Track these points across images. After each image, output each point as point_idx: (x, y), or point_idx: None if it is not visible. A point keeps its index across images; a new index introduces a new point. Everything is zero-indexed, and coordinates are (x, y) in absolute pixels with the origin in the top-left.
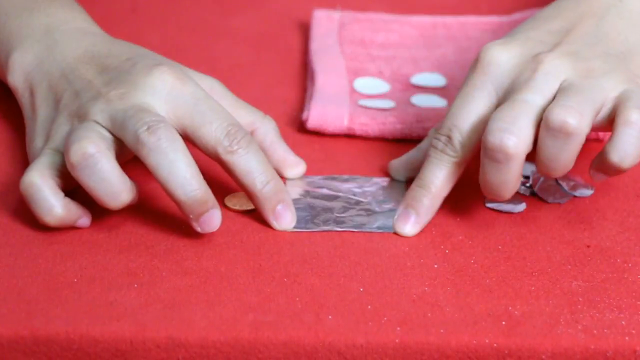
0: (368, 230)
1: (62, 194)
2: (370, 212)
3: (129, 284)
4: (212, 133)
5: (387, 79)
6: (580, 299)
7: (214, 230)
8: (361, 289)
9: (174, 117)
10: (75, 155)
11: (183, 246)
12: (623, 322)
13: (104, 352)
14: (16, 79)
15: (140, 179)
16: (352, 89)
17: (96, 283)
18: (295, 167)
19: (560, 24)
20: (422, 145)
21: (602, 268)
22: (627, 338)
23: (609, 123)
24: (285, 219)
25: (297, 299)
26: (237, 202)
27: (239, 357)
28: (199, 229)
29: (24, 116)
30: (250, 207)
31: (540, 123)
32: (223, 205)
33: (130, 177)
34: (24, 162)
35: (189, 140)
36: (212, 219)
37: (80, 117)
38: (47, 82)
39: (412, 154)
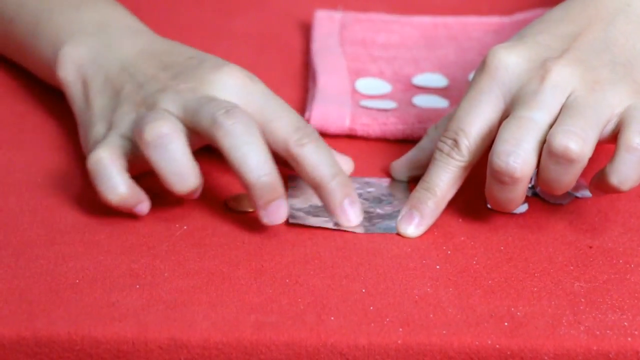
0: (371, 231)
1: (127, 175)
2: (372, 214)
3: (130, 284)
4: (283, 128)
5: (388, 80)
6: (582, 300)
7: (280, 222)
8: (363, 290)
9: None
10: (150, 133)
11: (185, 247)
12: (626, 323)
13: (106, 353)
14: (68, 72)
15: (143, 180)
16: (353, 90)
17: (98, 284)
18: (346, 163)
19: (568, 27)
20: (422, 144)
21: (604, 269)
22: (629, 339)
23: (612, 138)
24: (350, 215)
25: (299, 300)
26: (238, 203)
27: (240, 358)
28: (265, 220)
29: (74, 110)
30: (252, 208)
31: (544, 145)
32: (224, 206)
33: (133, 177)
34: (23, 162)
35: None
36: (280, 209)
37: (148, 106)
38: (104, 75)
39: (412, 153)
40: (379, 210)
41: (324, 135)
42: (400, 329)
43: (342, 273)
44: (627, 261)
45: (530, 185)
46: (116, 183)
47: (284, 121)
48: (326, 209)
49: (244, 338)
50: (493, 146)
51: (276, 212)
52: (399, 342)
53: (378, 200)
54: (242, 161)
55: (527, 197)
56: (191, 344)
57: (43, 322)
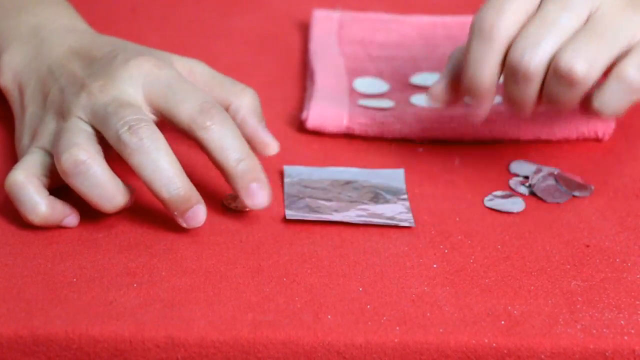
0: (370, 222)
1: (46, 193)
2: (374, 200)
3: (128, 283)
4: (186, 111)
5: (386, 79)
6: (579, 298)
7: (199, 225)
8: (360, 289)
9: (150, 102)
10: (67, 162)
11: (182, 246)
12: (622, 322)
13: (103, 351)
14: (6, 80)
15: (139, 179)
16: (351, 89)
17: (95, 282)
18: (265, 146)
19: None
20: (451, 64)
21: (601, 268)
22: (626, 337)
23: None
24: (258, 198)
25: (297, 298)
26: (236, 202)
27: (238, 357)
28: (184, 225)
29: (15, 116)
30: (249, 207)
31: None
32: (222, 205)
33: (128, 176)
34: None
35: (167, 122)
36: (197, 215)
37: (64, 114)
38: (35, 79)
39: (445, 77)
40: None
41: (322, 134)
42: (397, 328)
43: (339, 272)
44: (623, 260)
45: (527, 185)
46: (35, 203)
47: (187, 104)
48: (234, 191)
49: (241, 336)
50: (513, 42)
51: (194, 217)
52: (396, 340)
53: (374, 193)
54: (152, 179)
55: (524, 196)
56: (188, 342)
57: (40, 320)
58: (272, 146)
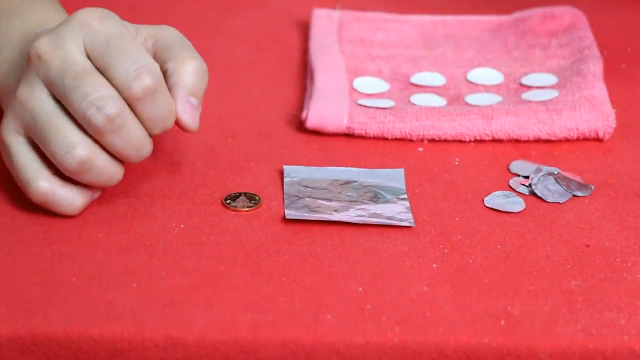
0: (370, 222)
1: (70, 184)
2: (374, 200)
3: (127, 283)
4: (119, 74)
5: (386, 78)
6: (579, 298)
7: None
8: (360, 289)
9: (90, 57)
10: (72, 165)
11: (182, 245)
12: (622, 322)
13: (102, 351)
14: None
15: (138, 179)
16: (351, 88)
17: (95, 282)
18: (178, 121)
19: None
20: None
21: (601, 267)
22: (626, 337)
23: None
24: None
25: (296, 298)
26: (236, 202)
27: (237, 357)
28: None
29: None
30: (250, 206)
31: None
32: (221, 204)
33: (130, 175)
34: None
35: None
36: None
37: (23, 83)
38: (16, 66)
39: None
40: (379, 201)
41: (322, 133)
42: (397, 328)
43: (338, 272)
44: (623, 260)
45: (527, 184)
46: (71, 202)
47: (120, 68)
48: None
49: (241, 336)
50: None
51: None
52: (396, 340)
53: (374, 193)
54: (123, 152)
55: (524, 195)
56: (188, 342)
57: (40, 320)
58: (188, 124)
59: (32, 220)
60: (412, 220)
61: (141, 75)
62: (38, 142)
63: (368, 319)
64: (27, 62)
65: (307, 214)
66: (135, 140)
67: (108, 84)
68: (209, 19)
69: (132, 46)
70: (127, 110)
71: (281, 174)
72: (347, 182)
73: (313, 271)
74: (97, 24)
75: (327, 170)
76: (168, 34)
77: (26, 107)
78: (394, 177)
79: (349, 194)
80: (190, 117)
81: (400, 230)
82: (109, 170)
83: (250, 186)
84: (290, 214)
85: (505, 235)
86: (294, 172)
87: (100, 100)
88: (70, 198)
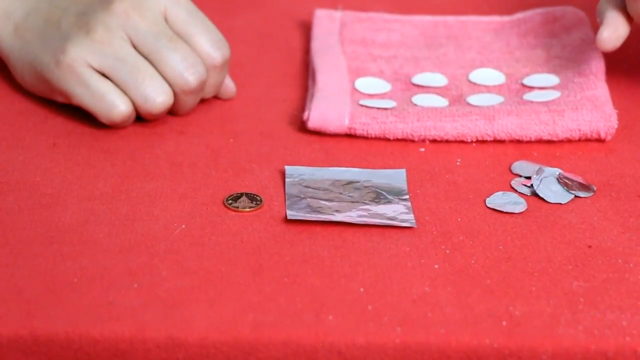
0: (371, 222)
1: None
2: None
3: (128, 284)
4: (202, 45)
5: (388, 79)
6: (581, 299)
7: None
8: (361, 289)
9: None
10: (160, 110)
11: (183, 246)
12: (624, 323)
13: (103, 352)
14: None
15: (140, 179)
16: (353, 89)
17: (96, 283)
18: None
19: None
20: (608, 17)
21: (603, 268)
22: (628, 339)
23: None
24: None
25: (298, 299)
26: (237, 202)
27: (239, 357)
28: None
29: (3, 50)
30: (251, 207)
31: None
32: (223, 205)
33: (132, 176)
34: (22, 161)
35: None
36: None
37: (97, 29)
38: (35, 16)
39: (609, 23)
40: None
41: (323, 134)
42: (399, 328)
43: (340, 272)
44: (625, 261)
45: (529, 185)
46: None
47: (204, 38)
48: None
49: (242, 337)
50: None
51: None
52: (397, 341)
53: (376, 193)
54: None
55: (526, 196)
56: (189, 343)
57: (41, 321)
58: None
59: (33, 221)
60: (414, 221)
61: (223, 46)
62: (121, 82)
63: (369, 320)
64: (98, 10)
65: (308, 215)
66: (195, 103)
67: (196, 54)
68: (211, 19)
69: (207, 19)
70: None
71: (283, 174)
72: (349, 183)
73: (314, 272)
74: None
75: (329, 170)
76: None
77: (106, 48)
78: (396, 178)
79: (350, 194)
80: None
81: (401, 230)
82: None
83: (252, 186)
84: (291, 214)
85: (507, 235)
86: (295, 173)
87: (196, 65)
88: (134, 114)
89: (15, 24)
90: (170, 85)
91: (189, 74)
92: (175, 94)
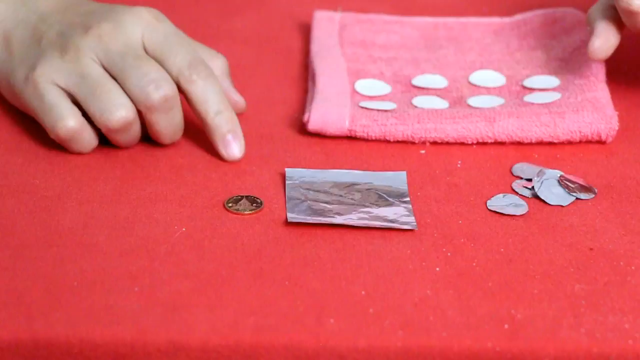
0: (372, 225)
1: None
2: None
3: (129, 287)
4: (177, 64)
5: (388, 81)
6: (583, 302)
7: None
8: (363, 292)
9: (147, 50)
10: (118, 124)
11: (183, 249)
12: (626, 326)
13: (104, 355)
14: None
15: (140, 182)
16: (353, 91)
17: (96, 286)
18: (235, 105)
19: None
20: (599, 27)
21: (605, 271)
22: (630, 341)
23: None
24: (232, 148)
25: (299, 302)
26: (238, 205)
27: None
28: (224, 153)
29: None
30: (252, 209)
31: None
32: (223, 207)
33: (132, 179)
34: (22, 163)
35: None
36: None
37: (69, 51)
38: (23, 27)
39: (600, 35)
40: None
41: (324, 136)
42: (400, 332)
43: (341, 275)
44: (627, 263)
45: (530, 187)
46: (89, 142)
47: (178, 57)
48: (212, 143)
49: (243, 341)
50: None
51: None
52: (399, 344)
53: (379, 194)
54: (164, 133)
55: (527, 198)
56: (190, 346)
57: (41, 324)
58: (241, 103)
59: (33, 224)
60: (415, 223)
61: (198, 65)
62: (81, 98)
63: (371, 323)
64: (75, 34)
65: (309, 217)
66: (176, 124)
67: (164, 71)
68: (211, 21)
69: (187, 40)
70: (178, 95)
71: (283, 176)
72: (349, 185)
73: (315, 275)
74: (156, 21)
75: (329, 172)
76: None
77: (74, 67)
78: (397, 180)
79: (351, 196)
80: (242, 99)
81: (403, 233)
82: (138, 136)
83: (252, 189)
84: (292, 217)
85: (509, 238)
86: (296, 175)
87: (159, 80)
88: (90, 139)
89: (5, 36)
90: (133, 101)
91: (151, 88)
92: (140, 112)
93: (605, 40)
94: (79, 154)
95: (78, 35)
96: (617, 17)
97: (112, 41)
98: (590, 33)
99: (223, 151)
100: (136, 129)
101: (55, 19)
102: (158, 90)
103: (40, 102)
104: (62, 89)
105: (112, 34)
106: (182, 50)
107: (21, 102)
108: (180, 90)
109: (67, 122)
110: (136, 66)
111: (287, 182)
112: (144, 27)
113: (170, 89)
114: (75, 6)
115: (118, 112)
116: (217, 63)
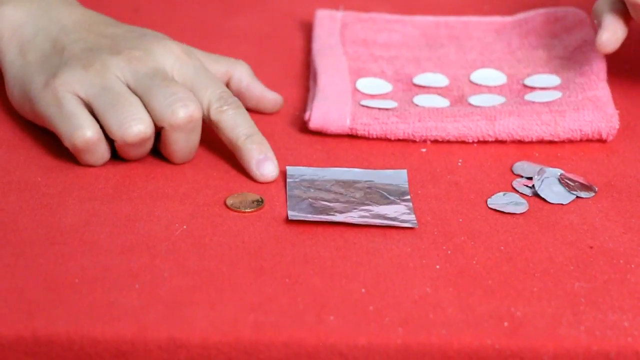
0: (373, 223)
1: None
2: (375, 203)
3: (130, 284)
4: (207, 97)
5: (389, 79)
6: (582, 300)
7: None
8: (363, 290)
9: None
10: (136, 138)
11: (184, 246)
12: (626, 324)
13: (105, 352)
14: (3, 29)
15: (141, 180)
16: (354, 89)
17: (97, 283)
18: (274, 103)
19: None
20: (606, 20)
21: (604, 269)
22: (629, 339)
23: None
24: (266, 167)
25: (299, 299)
26: (239, 203)
27: (240, 358)
28: (257, 174)
29: (4, 63)
30: (253, 207)
31: None
32: (224, 205)
33: (133, 176)
34: (23, 162)
35: None
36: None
37: (94, 67)
38: (44, 36)
39: (607, 28)
40: (381, 203)
41: (325, 134)
42: (400, 329)
43: (341, 273)
44: (627, 261)
45: (530, 186)
46: (102, 154)
47: (209, 91)
48: (244, 167)
49: (243, 338)
50: None
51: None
52: (399, 342)
53: (379, 194)
54: (179, 155)
55: (527, 197)
56: (190, 343)
57: (42, 321)
58: (279, 100)
59: (34, 221)
60: (415, 221)
61: (228, 97)
62: (100, 110)
63: (371, 320)
64: (104, 53)
65: (309, 215)
66: (192, 147)
67: (192, 93)
68: (212, 20)
69: (213, 76)
70: (201, 119)
71: (284, 174)
72: (350, 183)
73: (316, 272)
74: (185, 56)
75: (330, 170)
76: (196, 52)
77: (97, 80)
78: (397, 178)
79: (352, 195)
80: (279, 96)
81: (403, 231)
82: (147, 153)
83: (253, 187)
84: (293, 214)
85: (509, 236)
86: (297, 173)
87: (187, 99)
88: (104, 152)
89: (22, 42)
90: (157, 119)
91: (178, 106)
92: (163, 130)
93: (613, 33)
94: (90, 166)
95: (106, 54)
96: (624, 10)
97: (141, 65)
98: (597, 26)
99: (257, 172)
100: (149, 146)
101: (80, 35)
102: (185, 108)
103: (59, 110)
104: (82, 99)
105: (142, 59)
106: (212, 84)
107: (35, 109)
108: (209, 121)
109: (85, 132)
110: (164, 85)
111: (287, 180)
112: (173, 60)
113: (196, 110)
114: (100, 25)
115: (137, 126)
116: (242, 69)
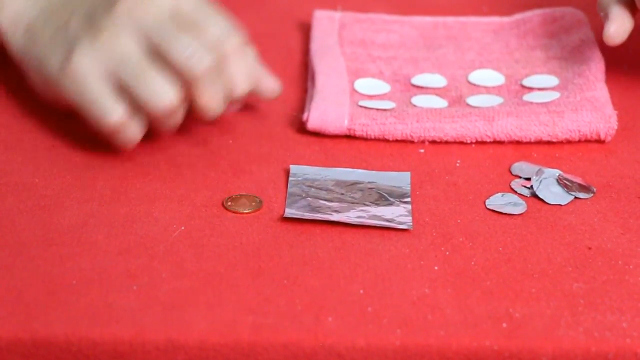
0: (368, 223)
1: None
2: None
3: (128, 285)
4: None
5: (387, 80)
6: (581, 301)
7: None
8: (361, 291)
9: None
10: (165, 109)
11: (182, 248)
12: (624, 325)
13: (103, 354)
14: (5, 19)
15: (139, 181)
16: (352, 90)
17: (95, 285)
18: (270, 90)
19: None
20: (613, 12)
21: (603, 270)
22: (628, 340)
23: None
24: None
25: (297, 300)
26: (237, 204)
27: (238, 359)
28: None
29: (13, 52)
30: (251, 208)
31: None
32: (222, 206)
33: (131, 177)
34: (21, 162)
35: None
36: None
37: (101, 33)
38: (45, 17)
39: (615, 19)
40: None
41: (323, 135)
42: (398, 330)
43: (340, 274)
44: (626, 262)
45: (529, 186)
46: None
47: (214, 27)
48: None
49: (242, 339)
50: None
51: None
52: (397, 343)
53: (380, 195)
54: (204, 103)
55: (525, 197)
56: (188, 345)
57: (40, 323)
58: (277, 86)
59: (32, 223)
60: (411, 224)
61: (232, 32)
62: (124, 84)
63: (369, 322)
64: (103, 13)
65: (306, 214)
66: (220, 97)
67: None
68: None
69: (217, 9)
70: (220, 65)
71: (282, 175)
72: (352, 184)
73: (314, 273)
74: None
75: (333, 171)
76: None
77: (110, 51)
78: (400, 180)
79: (352, 195)
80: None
81: (401, 232)
82: (179, 123)
83: (251, 188)
84: (289, 212)
85: (507, 237)
86: (300, 172)
87: (202, 50)
88: (135, 132)
89: (27, 25)
90: (179, 73)
91: (197, 59)
92: (186, 84)
93: (620, 24)
94: (123, 148)
95: (106, 14)
96: (630, 1)
97: (143, 13)
98: (603, 19)
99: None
100: (180, 114)
101: (76, 2)
102: (202, 59)
103: (82, 95)
104: (102, 76)
105: (141, 4)
106: (216, 18)
107: (57, 94)
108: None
109: (113, 115)
110: (176, 36)
111: (290, 178)
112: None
113: (213, 59)
114: None
115: (167, 95)
116: (248, 51)
